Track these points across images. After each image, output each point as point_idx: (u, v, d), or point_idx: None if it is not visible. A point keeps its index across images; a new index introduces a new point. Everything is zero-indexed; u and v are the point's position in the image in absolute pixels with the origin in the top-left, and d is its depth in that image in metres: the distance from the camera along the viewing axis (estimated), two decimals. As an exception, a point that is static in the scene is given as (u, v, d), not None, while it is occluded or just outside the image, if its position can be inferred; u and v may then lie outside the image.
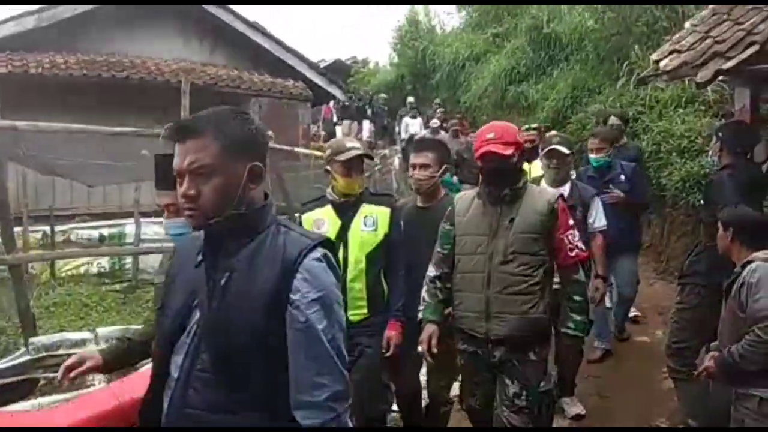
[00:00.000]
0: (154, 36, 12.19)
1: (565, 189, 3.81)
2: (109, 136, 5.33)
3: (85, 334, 3.66)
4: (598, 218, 3.91)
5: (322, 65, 19.49)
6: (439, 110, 14.27)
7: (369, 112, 17.74)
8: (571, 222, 2.80)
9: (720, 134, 3.55)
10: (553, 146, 3.94)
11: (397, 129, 16.79)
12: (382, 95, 18.47)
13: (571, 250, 2.73)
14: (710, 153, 3.87)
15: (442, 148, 3.49)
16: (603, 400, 4.27)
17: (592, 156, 4.68)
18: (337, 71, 20.20)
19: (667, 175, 7.07)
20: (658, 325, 5.27)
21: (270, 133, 6.38)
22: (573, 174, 4.35)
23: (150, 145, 6.22)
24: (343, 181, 3.04)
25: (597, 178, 4.63)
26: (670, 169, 7.07)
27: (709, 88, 7.43)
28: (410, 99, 16.73)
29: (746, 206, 3.30)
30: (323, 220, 3.09)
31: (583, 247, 2.84)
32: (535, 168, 4.62)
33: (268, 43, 13.30)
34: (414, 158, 3.37)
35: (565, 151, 3.92)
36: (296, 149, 6.38)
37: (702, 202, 3.83)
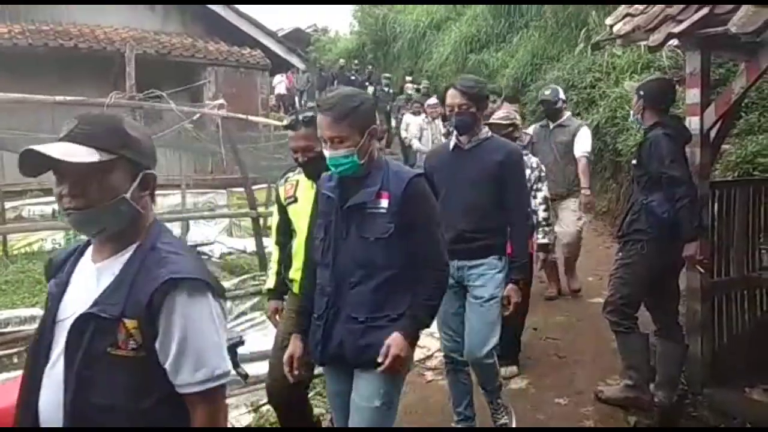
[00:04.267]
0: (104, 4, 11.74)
1: None
2: (62, 108, 5.12)
3: (36, 311, 3.58)
4: None
5: (281, 34, 19.10)
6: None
7: (370, 90, 14.84)
8: None
9: (641, 92, 3.59)
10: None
11: (393, 123, 13.50)
12: (386, 75, 15.98)
13: None
14: (632, 112, 3.92)
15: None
16: (560, 360, 4.37)
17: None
18: (297, 40, 19.87)
19: (623, 140, 7.20)
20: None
21: (222, 102, 6.31)
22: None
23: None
24: None
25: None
26: (626, 135, 7.20)
27: (663, 54, 7.55)
28: (409, 82, 14.03)
29: (682, 164, 3.39)
30: None
31: None
32: None
33: (224, 11, 12.96)
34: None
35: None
36: (251, 118, 6.24)
37: (635, 162, 3.70)
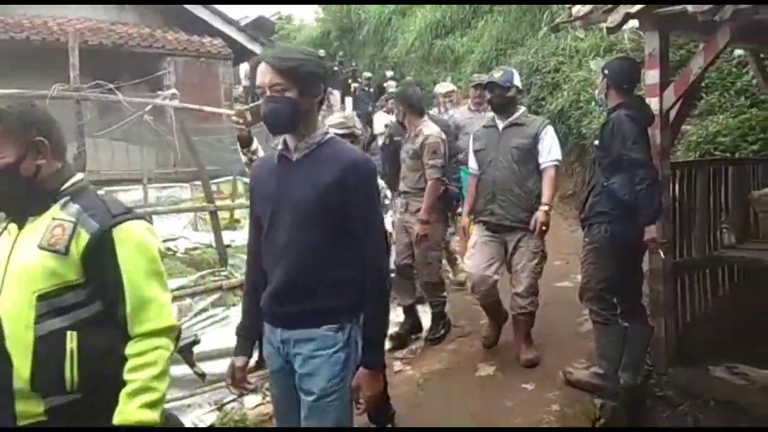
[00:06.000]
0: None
1: None
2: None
3: None
4: None
5: (245, 22, 18.78)
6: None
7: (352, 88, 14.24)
8: None
9: (606, 71, 3.55)
10: None
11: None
12: (366, 74, 14.43)
13: None
14: (597, 91, 3.87)
15: None
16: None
17: None
18: (262, 28, 19.56)
19: (587, 123, 7.22)
20: (579, 271, 5.40)
21: (175, 91, 6.13)
22: None
23: (53, 109, 5.80)
24: None
25: None
26: (590, 117, 7.23)
27: (625, 36, 7.57)
28: (391, 78, 12.96)
29: (644, 146, 3.36)
30: None
31: None
32: None
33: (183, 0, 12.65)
34: None
35: None
36: (206, 108, 6.01)
37: (597, 143, 3.60)
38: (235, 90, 15.64)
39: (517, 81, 4.04)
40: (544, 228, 3.85)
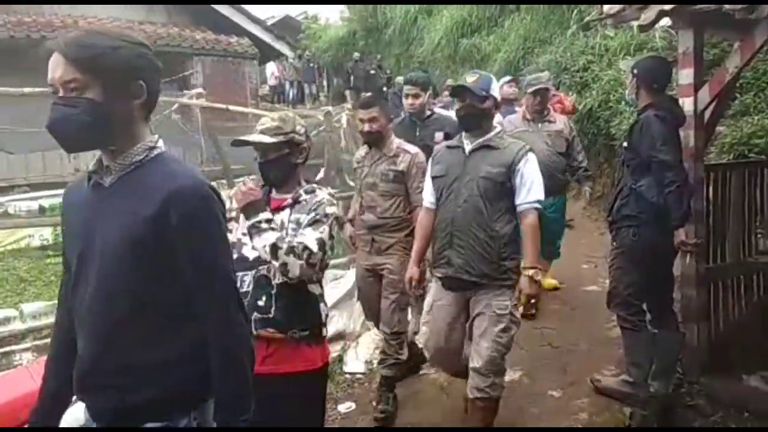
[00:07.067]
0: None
1: None
2: (43, 101, 4.98)
3: (9, 312, 3.46)
4: None
5: (271, 21, 18.94)
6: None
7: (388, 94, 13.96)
8: None
9: (635, 71, 3.46)
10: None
11: None
12: (399, 79, 13.65)
13: None
14: (627, 91, 3.78)
15: None
16: (554, 350, 4.29)
17: None
18: (288, 28, 19.69)
19: (616, 124, 7.08)
20: (607, 275, 5.30)
21: (200, 90, 6.15)
22: None
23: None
24: None
25: None
26: (619, 118, 7.08)
27: (656, 34, 7.41)
28: (399, 79, 12.56)
29: (673, 148, 3.26)
30: None
31: None
32: None
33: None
34: None
35: None
36: (232, 108, 6.00)
37: (626, 144, 3.49)
38: (261, 89, 15.80)
39: (495, 90, 3.06)
40: (533, 301, 3.22)
